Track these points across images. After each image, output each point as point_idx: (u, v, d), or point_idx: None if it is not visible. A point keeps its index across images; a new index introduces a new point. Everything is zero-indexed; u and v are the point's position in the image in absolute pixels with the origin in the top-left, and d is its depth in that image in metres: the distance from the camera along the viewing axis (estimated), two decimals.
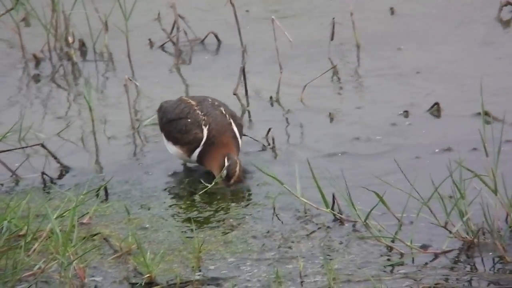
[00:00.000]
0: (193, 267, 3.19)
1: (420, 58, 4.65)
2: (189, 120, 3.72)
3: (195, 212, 3.54)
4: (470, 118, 4.11)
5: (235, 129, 3.73)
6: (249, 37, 4.88)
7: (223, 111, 3.75)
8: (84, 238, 3.32)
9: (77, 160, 3.95)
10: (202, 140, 3.69)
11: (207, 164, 3.71)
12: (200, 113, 3.74)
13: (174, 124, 3.76)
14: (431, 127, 4.06)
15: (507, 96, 4.19)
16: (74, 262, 3.08)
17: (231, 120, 3.74)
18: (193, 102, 3.79)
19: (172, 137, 3.76)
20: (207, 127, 3.69)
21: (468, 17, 4.99)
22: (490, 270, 3.14)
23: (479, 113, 4.08)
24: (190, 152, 3.72)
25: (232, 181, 3.62)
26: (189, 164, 3.87)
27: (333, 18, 4.77)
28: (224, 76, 4.62)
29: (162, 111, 3.85)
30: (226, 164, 3.61)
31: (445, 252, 3.22)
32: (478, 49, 4.68)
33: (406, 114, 4.19)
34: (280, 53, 4.52)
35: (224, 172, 3.62)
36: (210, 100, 3.82)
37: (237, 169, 3.60)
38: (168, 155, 3.89)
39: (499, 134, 3.25)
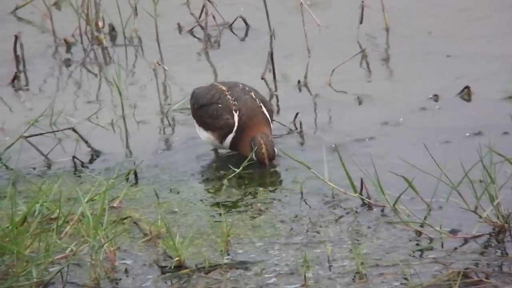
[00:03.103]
0: (221, 251, 3.21)
1: (450, 41, 4.60)
2: (220, 105, 3.72)
3: (224, 197, 3.56)
4: (501, 101, 4.05)
5: (266, 112, 3.72)
6: (277, 21, 4.86)
7: (253, 96, 3.75)
8: (115, 221, 3.36)
9: (108, 144, 3.99)
10: (233, 125, 3.69)
11: (241, 150, 3.71)
12: (230, 98, 3.73)
13: (206, 109, 3.75)
14: (462, 111, 4.02)
15: None
16: (105, 245, 3.11)
17: (261, 104, 3.73)
18: (224, 88, 3.78)
19: (204, 123, 3.76)
20: (237, 113, 3.69)
21: None
22: None
23: (510, 97, 4.03)
24: (222, 138, 3.71)
25: (265, 162, 3.61)
26: (219, 150, 3.89)
27: (362, 1, 4.73)
28: (252, 61, 4.61)
29: (194, 97, 3.85)
30: (253, 149, 3.61)
31: (475, 237, 3.20)
32: (510, 32, 4.61)
33: (436, 98, 4.15)
34: (309, 37, 4.49)
35: (254, 156, 3.62)
36: (241, 85, 3.81)
37: (263, 150, 3.60)
38: (197, 140, 3.90)
39: None
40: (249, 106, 3.69)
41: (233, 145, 3.72)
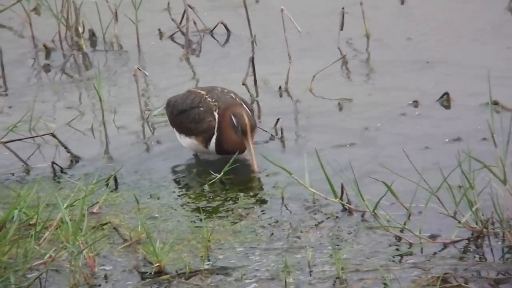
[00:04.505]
0: (202, 256, 3.20)
1: (429, 47, 4.63)
2: (201, 108, 3.70)
3: (204, 202, 3.55)
4: (480, 108, 4.09)
5: (247, 109, 3.68)
6: (258, 27, 4.87)
7: (233, 96, 3.74)
8: (94, 227, 3.34)
9: (87, 149, 3.97)
10: (214, 126, 3.66)
11: (226, 145, 3.66)
12: (211, 100, 3.72)
13: (186, 114, 3.74)
14: (441, 117, 4.05)
15: None
16: (84, 251, 3.10)
17: (242, 103, 3.71)
18: (203, 92, 3.78)
19: (185, 128, 3.73)
20: (217, 111, 3.67)
21: (478, 6, 4.97)
22: (499, 260, 3.14)
23: (489, 103, 4.06)
24: (206, 142, 3.68)
25: (247, 132, 3.56)
26: (200, 155, 3.88)
27: (343, 8, 4.76)
28: (233, 66, 4.62)
29: (171, 105, 3.83)
30: (235, 125, 3.57)
31: (454, 242, 3.22)
32: (488, 39, 4.66)
33: (415, 104, 4.18)
34: (289, 43, 4.51)
35: (238, 128, 3.56)
36: (219, 88, 3.81)
37: (245, 119, 3.56)
38: (177, 145, 3.90)
39: (509, 124, 3.24)
40: (229, 102, 3.67)
41: (218, 143, 3.67)
